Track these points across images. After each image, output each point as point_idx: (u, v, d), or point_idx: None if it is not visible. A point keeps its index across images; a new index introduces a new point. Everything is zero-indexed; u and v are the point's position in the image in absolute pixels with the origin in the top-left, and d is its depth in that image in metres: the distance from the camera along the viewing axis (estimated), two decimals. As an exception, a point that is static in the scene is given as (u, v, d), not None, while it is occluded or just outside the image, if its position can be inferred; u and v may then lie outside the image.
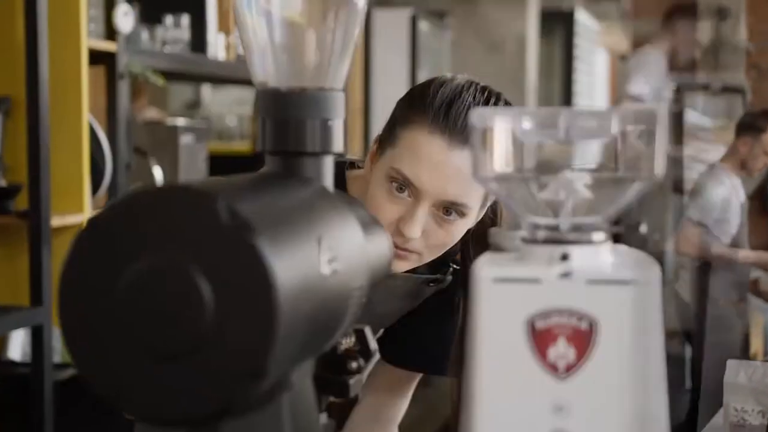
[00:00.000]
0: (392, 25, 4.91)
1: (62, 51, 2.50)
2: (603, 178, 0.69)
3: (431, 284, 1.43)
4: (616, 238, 0.70)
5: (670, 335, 3.69)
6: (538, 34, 6.11)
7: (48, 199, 2.35)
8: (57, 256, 2.40)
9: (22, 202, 2.40)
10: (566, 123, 0.68)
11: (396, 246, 1.25)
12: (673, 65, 4.52)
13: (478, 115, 0.69)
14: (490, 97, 1.29)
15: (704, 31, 9.22)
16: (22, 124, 2.41)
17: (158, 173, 2.99)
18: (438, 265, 1.40)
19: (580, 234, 0.68)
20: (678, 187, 4.53)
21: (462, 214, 1.27)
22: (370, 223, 0.83)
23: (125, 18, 2.68)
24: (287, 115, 0.78)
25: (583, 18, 7.49)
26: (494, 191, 0.71)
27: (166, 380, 0.60)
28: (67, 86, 2.50)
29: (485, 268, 0.68)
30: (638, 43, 9.55)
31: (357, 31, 0.81)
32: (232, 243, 0.60)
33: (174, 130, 3.12)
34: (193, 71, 3.31)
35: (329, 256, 0.68)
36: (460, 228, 1.29)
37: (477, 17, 5.34)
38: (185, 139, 3.12)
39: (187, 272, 0.60)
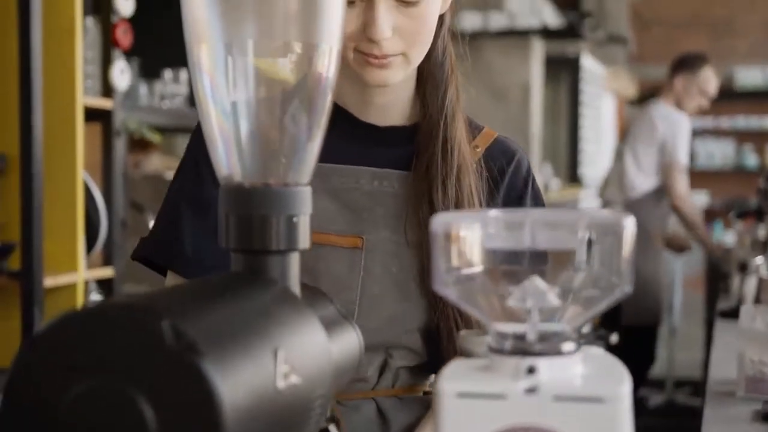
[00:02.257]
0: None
1: (58, 108, 2.49)
2: (571, 286, 0.67)
3: None
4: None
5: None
6: (543, 80, 6.11)
7: (41, 260, 2.33)
8: (50, 317, 2.37)
9: (14, 262, 2.38)
10: (531, 229, 0.66)
11: (374, 56, 1.19)
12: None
13: (439, 221, 0.66)
14: None
15: None
16: (17, 182, 2.40)
17: (155, 229, 2.97)
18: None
19: (547, 344, 0.66)
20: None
21: None
22: (336, 321, 0.80)
23: (122, 75, 2.68)
24: (251, 212, 0.75)
25: (588, 63, 7.49)
26: (457, 298, 0.68)
27: None
28: (62, 144, 2.50)
29: (449, 382, 0.65)
30: (645, 87, 9.61)
31: (323, 123, 0.79)
32: (176, 365, 0.57)
33: (173, 185, 3.10)
34: (191, 126, 3.30)
35: (287, 368, 0.66)
36: (429, 9, 1.20)
37: (481, 65, 5.35)
38: (184, 193, 3.10)
39: (129, 395, 0.57)
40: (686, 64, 4.55)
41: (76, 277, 2.50)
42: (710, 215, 9.72)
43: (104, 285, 2.73)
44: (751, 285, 2.85)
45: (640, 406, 5.25)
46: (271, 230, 0.75)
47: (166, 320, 0.57)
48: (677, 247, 4.85)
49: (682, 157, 4.41)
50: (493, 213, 0.68)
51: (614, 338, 3.91)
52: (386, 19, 1.17)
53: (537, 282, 0.66)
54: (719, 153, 9.91)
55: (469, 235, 0.66)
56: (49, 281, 2.41)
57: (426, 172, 1.26)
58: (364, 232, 1.25)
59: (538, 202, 1.35)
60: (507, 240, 0.67)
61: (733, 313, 2.71)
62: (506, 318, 0.67)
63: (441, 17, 1.28)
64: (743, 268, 3.23)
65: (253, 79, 0.76)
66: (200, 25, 0.76)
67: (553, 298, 0.66)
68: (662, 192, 4.48)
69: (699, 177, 9.96)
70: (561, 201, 5.86)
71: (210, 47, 0.76)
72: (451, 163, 1.26)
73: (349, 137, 1.29)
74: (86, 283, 2.66)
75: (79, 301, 2.54)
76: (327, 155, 1.25)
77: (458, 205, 1.25)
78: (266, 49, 0.77)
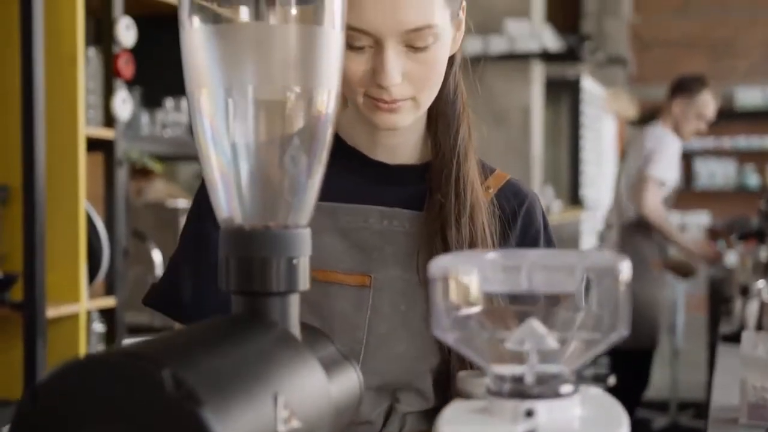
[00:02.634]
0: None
1: (60, 139, 2.50)
2: (569, 328, 0.67)
3: None
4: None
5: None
6: (544, 103, 6.13)
7: (43, 291, 2.34)
8: (52, 349, 2.38)
9: (17, 292, 2.38)
10: (528, 273, 0.66)
11: (384, 101, 1.18)
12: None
13: (437, 265, 0.67)
14: None
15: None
16: (19, 213, 2.41)
17: (158, 257, 2.98)
18: None
19: (546, 387, 0.66)
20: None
21: (434, 37, 1.17)
22: (336, 361, 0.80)
23: (123, 105, 2.69)
24: (251, 254, 0.76)
25: (589, 85, 7.51)
26: (455, 341, 0.68)
27: None
28: (64, 174, 2.51)
29: (448, 426, 0.65)
30: (645, 108, 9.63)
31: (322, 166, 0.80)
32: (177, 414, 0.57)
33: (175, 213, 3.12)
34: (193, 154, 3.32)
35: (287, 413, 0.66)
36: (439, 54, 1.19)
37: (482, 88, 5.35)
38: (186, 221, 3.11)
39: (130, 444, 0.58)
40: (684, 87, 4.55)
41: (79, 307, 2.51)
42: (712, 235, 9.74)
43: (106, 314, 2.73)
44: (753, 309, 2.85)
45: (643, 428, 5.24)
46: (272, 272, 0.75)
47: (167, 369, 0.58)
48: (681, 272, 4.85)
49: (657, 171, 4.38)
50: (491, 256, 0.69)
51: (612, 380, 3.92)
52: (395, 65, 1.16)
53: (535, 324, 0.67)
54: (721, 173, 9.93)
55: (467, 279, 0.67)
56: (51, 312, 2.41)
57: (440, 211, 1.25)
58: (372, 271, 1.25)
59: (551, 247, 1.33)
60: (504, 283, 0.67)
61: (735, 337, 2.71)
62: (504, 360, 0.68)
63: (452, 57, 1.27)
64: (745, 291, 3.23)
65: (253, 123, 0.77)
66: (200, 70, 0.77)
67: (551, 341, 0.67)
68: None
69: (700, 197, 9.99)
70: (563, 223, 5.87)
71: (210, 92, 0.77)
72: (464, 202, 1.25)
73: (359, 176, 1.29)
74: (88, 313, 2.67)
75: (82, 332, 2.54)
76: (337, 194, 1.26)
77: (472, 244, 1.24)
78: (266, 93, 0.77)
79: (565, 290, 0.67)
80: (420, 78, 1.18)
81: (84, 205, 2.54)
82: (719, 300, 4.59)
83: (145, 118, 2.98)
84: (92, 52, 2.70)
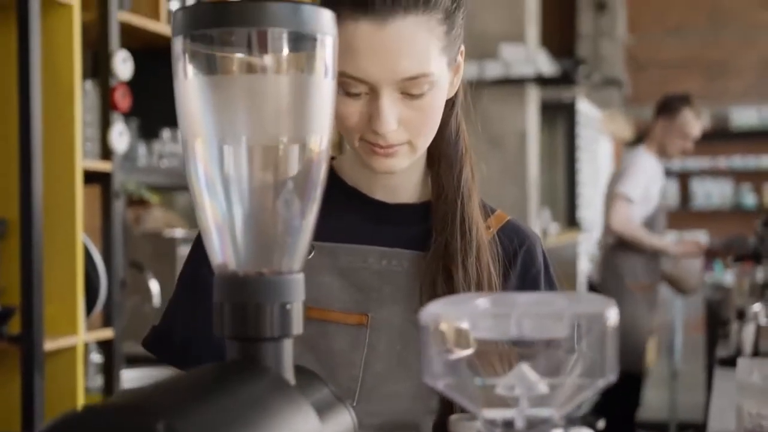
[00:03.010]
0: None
1: (57, 172, 2.52)
2: (559, 373, 0.68)
3: None
4: None
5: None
6: (539, 126, 6.16)
7: (41, 325, 2.34)
8: (50, 381, 2.39)
9: (15, 325, 2.39)
10: (518, 320, 0.67)
11: (380, 146, 1.18)
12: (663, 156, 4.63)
13: (428, 314, 0.68)
14: None
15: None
16: (17, 246, 2.42)
17: (155, 287, 2.99)
18: None
19: (536, 431, 0.67)
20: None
21: (430, 85, 1.17)
22: (330, 404, 0.81)
23: (120, 138, 2.71)
24: (245, 300, 0.77)
25: (584, 107, 7.55)
26: (447, 387, 0.69)
27: None
28: (61, 207, 2.52)
29: (439, 471, 0.66)
30: (641, 128, 9.68)
31: (315, 212, 0.81)
32: (172, 465, 0.58)
33: (172, 242, 3.13)
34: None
35: (280, 460, 0.67)
36: (435, 100, 1.19)
37: (478, 113, 5.37)
38: (184, 251, 3.13)
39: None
40: (665, 107, 4.58)
41: (76, 339, 2.51)
42: (709, 255, 9.76)
43: (104, 346, 2.74)
44: (749, 333, 2.85)
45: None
46: (265, 318, 0.77)
47: (161, 420, 0.59)
48: (677, 287, 4.86)
49: (624, 187, 4.40)
50: (481, 302, 0.70)
51: (601, 424, 3.92)
52: (391, 112, 1.16)
53: (525, 369, 0.68)
54: (717, 193, 9.96)
55: (458, 326, 0.68)
56: (49, 344, 2.42)
57: (444, 251, 1.25)
58: (370, 310, 1.25)
59: (552, 288, 1.34)
60: (494, 330, 0.68)
61: (732, 361, 2.71)
62: (495, 404, 0.69)
63: (453, 98, 1.28)
64: (741, 315, 3.23)
65: (247, 170, 0.78)
66: (195, 119, 0.79)
67: (541, 386, 0.68)
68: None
69: (697, 217, 10.01)
70: (559, 245, 5.88)
71: (204, 141, 0.78)
72: (470, 242, 1.25)
73: (359, 215, 1.30)
74: (86, 345, 2.67)
75: (80, 364, 2.55)
76: (337, 233, 1.27)
77: (479, 285, 1.24)
78: (259, 141, 0.79)
79: (555, 336, 0.68)
80: (416, 124, 1.19)
81: (81, 237, 2.55)
82: (716, 322, 4.59)
83: (142, 149, 3.00)
84: (89, 85, 2.72)
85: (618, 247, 4.47)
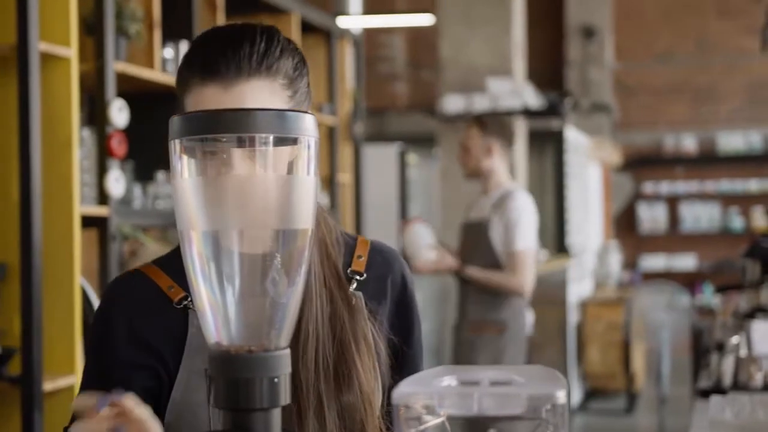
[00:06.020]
0: (382, 159, 5.06)
1: (56, 217, 2.60)
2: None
3: None
4: None
5: None
6: (527, 157, 6.25)
7: (41, 366, 2.43)
8: (49, 421, 2.46)
9: (15, 366, 2.47)
10: (479, 400, 0.76)
11: None
12: None
13: (398, 394, 0.77)
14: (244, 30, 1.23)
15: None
16: (17, 290, 2.50)
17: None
18: None
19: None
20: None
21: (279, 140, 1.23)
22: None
23: (116, 183, 2.80)
24: (237, 375, 0.87)
25: (572, 135, 7.65)
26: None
27: None
28: (60, 252, 2.60)
29: None
30: (630, 153, 9.78)
31: (300, 294, 0.91)
32: None
33: (167, 280, 3.20)
34: (185, 222, 3.41)
35: None
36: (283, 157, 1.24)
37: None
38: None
39: None
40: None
41: (74, 379, 2.59)
42: (699, 278, 9.89)
43: (102, 384, 2.81)
44: (728, 365, 2.93)
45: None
46: (255, 391, 0.86)
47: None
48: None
49: None
50: (446, 382, 0.79)
51: None
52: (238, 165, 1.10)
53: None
54: (705, 216, 10.06)
55: (426, 405, 0.77)
56: (48, 385, 2.50)
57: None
58: None
59: (414, 305, 1.37)
60: (459, 407, 0.77)
61: (713, 392, 2.78)
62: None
63: None
64: (720, 347, 3.30)
65: (238, 261, 0.88)
66: (190, 215, 0.88)
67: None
68: None
69: (686, 240, 10.12)
70: (549, 272, 5.96)
71: (198, 233, 0.88)
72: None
73: None
74: (84, 383, 2.74)
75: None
76: None
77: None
78: (249, 233, 0.89)
79: (513, 414, 0.77)
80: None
81: (79, 280, 2.64)
82: (701, 349, 4.65)
83: (137, 191, 3.08)
84: (86, 132, 2.81)
85: None
